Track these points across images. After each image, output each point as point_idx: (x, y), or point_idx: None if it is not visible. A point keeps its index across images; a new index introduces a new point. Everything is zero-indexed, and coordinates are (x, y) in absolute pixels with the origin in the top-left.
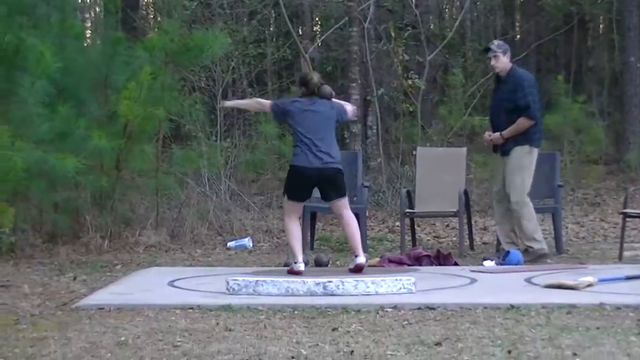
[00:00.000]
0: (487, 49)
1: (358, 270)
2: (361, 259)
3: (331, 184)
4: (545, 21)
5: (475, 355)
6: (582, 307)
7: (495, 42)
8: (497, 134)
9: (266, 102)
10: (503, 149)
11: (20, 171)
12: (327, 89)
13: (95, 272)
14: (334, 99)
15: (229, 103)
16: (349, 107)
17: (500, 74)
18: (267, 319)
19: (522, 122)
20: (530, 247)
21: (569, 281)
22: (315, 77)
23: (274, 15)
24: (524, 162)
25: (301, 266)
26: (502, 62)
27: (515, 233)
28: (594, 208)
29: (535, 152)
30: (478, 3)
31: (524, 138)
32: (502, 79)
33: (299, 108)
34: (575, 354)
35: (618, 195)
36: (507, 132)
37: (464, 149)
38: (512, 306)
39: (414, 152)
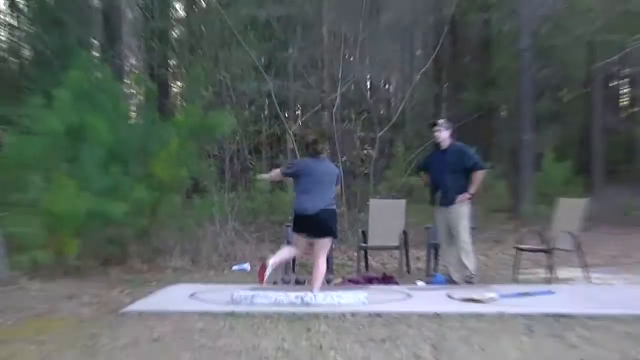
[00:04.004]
0: (434, 124)
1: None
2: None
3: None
4: (464, 109)
5: (410, 349)
6: (488, 315)
7: (441, 120)
8: (467, 194)
9: (278, 172)
10: (448, 200)
11: (83, 214)
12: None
13: (137, 287)
14: None
15: (265, 176)
16: None
17: (441, 144)
18: (260, 322)
19: (481, 176)
20: (474, 275)
21: (478, 296)
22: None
23: (267, 103)
24: (466, 210)
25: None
26: (444, 135)
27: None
28: (497, 244)
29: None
30: (415, 96)
31: (464, 191)
32: (442, 150)
33: (307, 164)
34: (482, 349)
35: (514, 235)
36: (474, 188)
37: (404, 201)
38: (437, 314)
39: (367, 203)
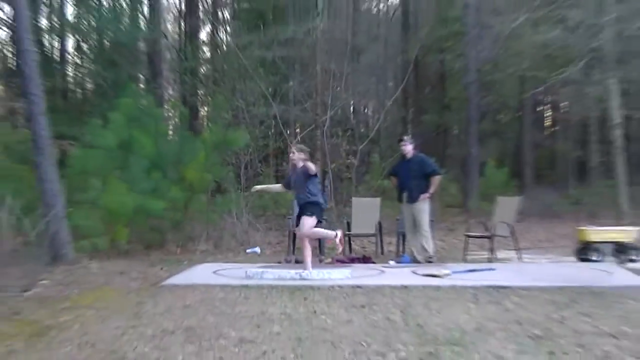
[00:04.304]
0: (402, 139)
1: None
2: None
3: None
4: (425, 128)
5: (384, 313)
6: (443, 287)
7: (407, 136)
8: (427, 193)
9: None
10: (412, 199)
11: (131, 209)
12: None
13: (172, 265)
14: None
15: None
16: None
17: (407, 155)
18: (268, 293)
19: (438, 180)
20: (432, 256)
21: (436, 272)
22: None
23: (273, 123)
24: (426, 206)
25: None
26: (409, 148)
27: (414, 247)
28: (451, 232)
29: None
30: (387, 118)
31: (424, 191)
32: (408, 159)
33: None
34: (439, 313)
35: (464, 225)
36: (432, 189)
37: (379, 199)
38: (405, 286)
39: (350, 200)
